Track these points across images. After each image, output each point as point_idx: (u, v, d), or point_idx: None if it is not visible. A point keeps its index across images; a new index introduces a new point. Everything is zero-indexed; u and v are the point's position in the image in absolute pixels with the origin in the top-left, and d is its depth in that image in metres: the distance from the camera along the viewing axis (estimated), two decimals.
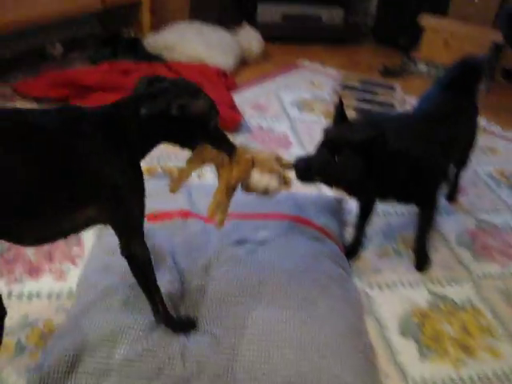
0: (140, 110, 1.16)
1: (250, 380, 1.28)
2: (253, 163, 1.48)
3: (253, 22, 3.65)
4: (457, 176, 2.19)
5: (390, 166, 1.58)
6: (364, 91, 3.06)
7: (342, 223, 1.96)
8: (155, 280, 1.30)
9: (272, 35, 3.68)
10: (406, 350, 1.52)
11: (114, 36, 3.30)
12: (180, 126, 1.25)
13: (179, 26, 3.33)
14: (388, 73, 3.46)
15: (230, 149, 1.39)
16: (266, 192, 1.51)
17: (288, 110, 2.86)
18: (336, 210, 1.98)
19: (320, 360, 1.32)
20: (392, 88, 3.11)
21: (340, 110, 1.61)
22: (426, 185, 1.76)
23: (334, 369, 1.31)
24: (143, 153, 1.26)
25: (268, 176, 1.49)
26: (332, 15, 3.89)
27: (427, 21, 3.49)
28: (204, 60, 3.12)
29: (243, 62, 3.39)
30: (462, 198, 2.25)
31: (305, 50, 3.75)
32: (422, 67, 3.49)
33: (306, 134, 2.61)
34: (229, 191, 1.46)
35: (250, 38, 3.41)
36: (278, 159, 1.57)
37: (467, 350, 1.54)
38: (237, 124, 2.57)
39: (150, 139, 1.26)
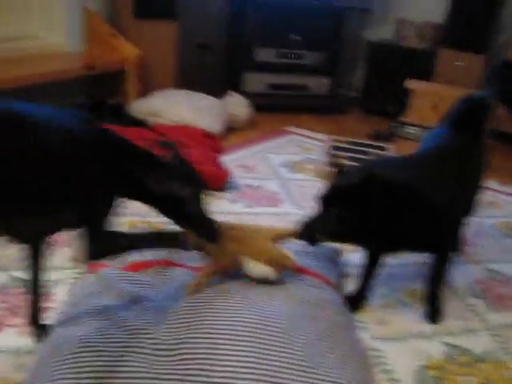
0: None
1: None
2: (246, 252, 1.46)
3: (239, 91, 3.62)
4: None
5: (390, 204, 1.45)
6: (355, 151, 2.98)
7: (340, 274, 1.79)
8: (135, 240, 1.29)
9: (258, 104, 3.64)
10: None
11: (100, 103, 3.25)
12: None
13: (165, 93, 3.28)
14: (378, 137, 3.40)
15: (210, 236, 1.32)
16: (264, 280, 1.49)
17: (277, 170, 2.75)
18: (334, 260, 1.81)
19: None
20: (382, 148, 3.03)
21: (340, 169, 1.52)
22: (437, 226, 1.59)
23: None
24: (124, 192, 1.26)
25: (263, 266, 1.47)
26: (319, 85, 3.90)
27: (414, 85, 3.48)
28: (190, 124, 3.04)
29: (230, 129, 3.31)
30: (469, 249, 2.10)
31: (292, 118, 3.71)
32: (411, 130, 3.43)
33: (296, 192, 2.48)
34: (213, 276, 1.47)
35: (237, 105, 3.36)
36: (277, 236, 1.54)
37: None
38: (223, 181, 2.45)
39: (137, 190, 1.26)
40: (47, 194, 1.09)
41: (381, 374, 1.40)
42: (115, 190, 1.24)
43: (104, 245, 1.24)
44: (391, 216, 1.46)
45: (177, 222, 1.30)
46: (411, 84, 3.50)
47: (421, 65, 3.76)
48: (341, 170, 1.53)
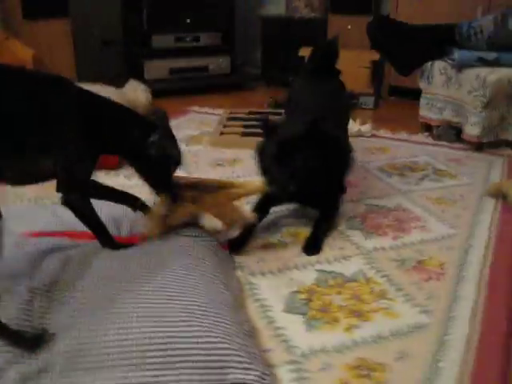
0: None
1: None
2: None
3: (142, 80, 3.61)
4: None
5: (327, 149, 1.66)
6: (251, 120, 3.03)
7: None
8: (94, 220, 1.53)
9: (162, 90, 3.66)
10: (292, 324, 1.36)
11: None
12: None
13: None
14: (277, 105, 3.46)
15: (173, 198, 1.57)
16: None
17: None
18: None
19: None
20: (279, 114, 3.09)
21: (266, 124, 1.73)
22: (338, 184, 1.89)
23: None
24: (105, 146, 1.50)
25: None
26: (218, 64, 3.95)
27: (307, 51, 3.56)
28: None
29: None
30: (352, 190, 2.18)
31: (196, 100, 3.73)
32: None
33: (192, 162, 2.51)
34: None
35: (135, 90, 3.36)
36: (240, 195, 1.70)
37: (360, 314, 1.40)
38: (117, 160, 2.45)
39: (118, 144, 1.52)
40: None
41: (253, 303, 1.45)
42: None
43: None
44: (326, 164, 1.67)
45: (146, 179, 1.60)
46: (304, 52, 3.58)
47: (314, 33, 3.86)
48: (268, 128, 1.71)
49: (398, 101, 3.70)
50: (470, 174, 2.39)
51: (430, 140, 2.88)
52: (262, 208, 1.85)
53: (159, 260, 1.42)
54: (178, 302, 1.24)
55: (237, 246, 1.72)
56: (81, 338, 1.15)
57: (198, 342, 1.12)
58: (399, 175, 2.36)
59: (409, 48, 2.87)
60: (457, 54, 2.65)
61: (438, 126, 2.87)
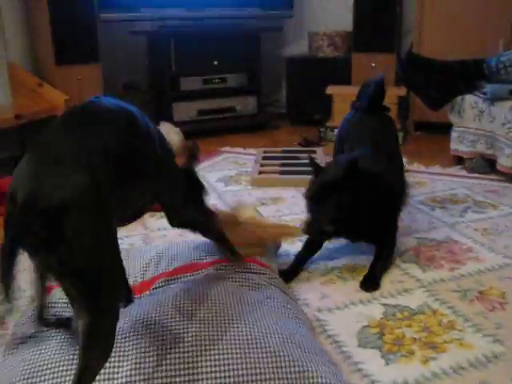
0: None
1: None
2: None
3: (170, 121, 3.70)
4: None
5: (370, 190, 1.71)
6: (286, 158, 3.10)
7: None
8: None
9: (190, 131, 3.73)
10: (370, 359, 1.38)
11: None
12: None
13: None
14: (307, 143, 3.53)
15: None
16: None
17: (214, 185, 2.83)
18: (272, 248, 1.88)
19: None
20: (312, 152, 3.16)
21: (313, 163, 1.77)
22: (393, 220, 1.90)
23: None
24: None
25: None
26: (245, 104, 4.04)
27: (333, 90, 3.66)
28: None
29: None
30: (399, 224, 2.21)
31: (225, 140, 3.81)
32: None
33: (233, 201, 2.56)
34: None
35: (168, 132, 3.43)
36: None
37: (434, 346, 1.42)
38: None
39: None
40: None
41: (326, 339, 1.47)
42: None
43: None
44: (370, 203, 1.72)
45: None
46: (331, 90, 3.68)
47: (338, 72, 3.95)
48: (317, 169, 1.77)
49: (424, 135, 3.76)
50: (510, 205, 2.43)
51: (464, 173, 2.92)
52: (311, 245, 1.90)
53: (230, 296, 1.45)
54: (259, 336, 1.26)
55: (288, 275, 1.80)
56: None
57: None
58: (441, 208, 2.40)
59: (439, 83, 2.94)
60: (489, 88, 2.72)
61: (471, 159, 2.92)
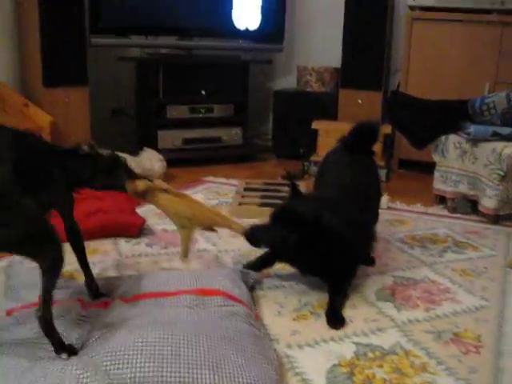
0: None
1: None
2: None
3: (155, 149, 3.67)
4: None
5: (325, 245, 1.74)
6: (267, 190, 3.07)
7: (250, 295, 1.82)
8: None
9: (174, 159, 3.71)
10: None
11: None
12: None
13: None
14: (290, 177, 3.51)
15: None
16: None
17: None
18: (243, 281, 1.83)
19: None
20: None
21: (293, 186, 1.84)
22: (350, 262, 1.88)
23: None
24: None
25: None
26: (231, 135, 4.03)
27: (319, 125, 3.66)
28: None
29: None
30: (377, 261, 2.18)
31: (208, 170, 3.78)
32: None
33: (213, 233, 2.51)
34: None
35: (151, 159, 3.41)
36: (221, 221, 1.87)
37: None
38: (139, 228, 2.46)
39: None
40: None
41: (293, 376, 1.42)
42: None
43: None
44: (318, 251, 1.76)
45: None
46: (317, 125, 3.68)
47: (325, 107, 3.96)
48: (294, 192, 1.84)
49: (408, 173, 3.76)
50: (490, 246, 2.40)
51: (445, 212, 2.91)
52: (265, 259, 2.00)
53: (196, 332, 1.39)
54: (225, 378, 1.21)
55: (255, 265, 1.97)
56: None
57: None
58: (421, 247, 2.37)
59: (423, 122, 2.94)
60: (472, 129, 2.72)
61: (453, 199, 2.91)
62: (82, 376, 1.16)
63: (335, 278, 1.86)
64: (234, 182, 3.42)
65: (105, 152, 1.65)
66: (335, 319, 1.71)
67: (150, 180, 1.70)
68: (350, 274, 1.91)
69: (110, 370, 1.18)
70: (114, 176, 1.64)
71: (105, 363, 1.19)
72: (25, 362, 1.26)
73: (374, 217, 2.13)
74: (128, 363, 1.19)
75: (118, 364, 1.19)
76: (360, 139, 2.15)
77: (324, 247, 1.74)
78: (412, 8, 3.67)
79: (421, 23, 3.61)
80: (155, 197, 1.70)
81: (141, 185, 1.65)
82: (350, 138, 2.16)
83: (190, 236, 1.80)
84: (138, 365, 1.19)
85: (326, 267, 1.83)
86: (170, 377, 1.17)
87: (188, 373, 1.19)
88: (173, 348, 1.25)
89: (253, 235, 1.79)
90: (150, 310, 1.45)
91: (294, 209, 1.77)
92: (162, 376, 1.17)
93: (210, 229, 1.84)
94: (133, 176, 1.66)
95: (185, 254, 1.83)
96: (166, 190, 1.72)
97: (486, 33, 3.47)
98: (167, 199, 1.72)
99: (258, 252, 2.04)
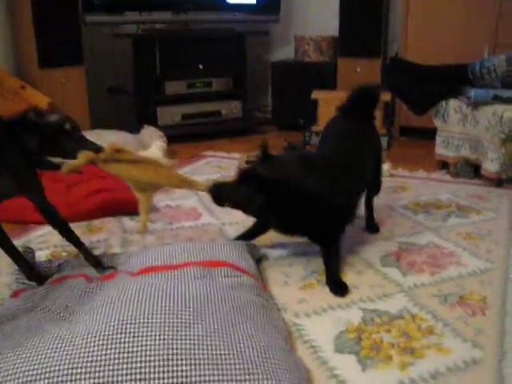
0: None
1: None
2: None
3: (154, 125, 3.66)
4: (370, 204, 2.16)
5: (293, 204, 1.71)
6: None
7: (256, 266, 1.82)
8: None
9: (174, 135, 3.70)
10: (346, 364, 1.35)
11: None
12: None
13: None
14: (291, 148, 3.50)
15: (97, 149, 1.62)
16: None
17: None
18: (249, 253, 1.84)
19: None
20: None
21: (263, 146, 1.75)
22: (330, 224, 1.83)
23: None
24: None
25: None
26: (230, 109, 4.01)
27: (319, 94, 3.64)
28: None
29: None
30: (380, 228, 2.19)
31: (209, 144, 3.78)
32: None
33: (214, 205, 2.52)
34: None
35: (151, 136, 3.40)
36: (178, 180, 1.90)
37: (412, 351, 1.39)
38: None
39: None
40: None
41: (302, 344, 1.43)
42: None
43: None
44: (287, 210, 1.74)
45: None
46: (317, 95, 3.66)
47: (323, 76, 3.94)
48: (264, 153, 1.75)
49: (409, 140, 3.75)
50: (493, 210, 2.41)
51: (448, 177, 2.91)
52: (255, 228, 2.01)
53: (205, 303, 1.40)
54: (234, 348, 1.22)
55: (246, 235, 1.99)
56: None
57: None
58: (425, 213, 2.38)
59: (423, 88, 2.92)
60: (472, 93, 2.70)
61: (456, 164, 2.91)
62: (90, 340, 1.18)
63: (320, 239, 1.85)
64: (234, 155, 3.42)
65: (53, 117, 1.57)
66: (337, 286, 1.72)
67: (97, 148, 1.63)
68: (335, 234, 1.86)
69: (119, 339, 1.19)
70: (60, 147, 1.58)
71: (114, 334, 1.20)
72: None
73: (373, 182, 2.12)
74: (137, 335, 1.21)
75: (128, 334, 1.20)
76: (359, 104, 2.10)
77: (292, 206, 1.72)
78: None
79: None
80: (106, 166, 1.68)
81: (80, 159, 1.58)
82: (348, 104, 2.10)
83: (149, 200, 1.84)
84: (149, 337, 1.20)
85: (303, 227, 1.81)
86: (181, 348, 1.18)
87: (199, 344, 1.19)
88: (183, 320, 1.26)
89: (218, 192, 1.76)
90: (157, 282, 1.46)
91: (260, 169, 1.73)
92: (172, 348, 1.18)
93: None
94: (83, 143, 1.61)
95: (144, 224, 1.89)
96: (119, 151, 1.70)
97: None
98: (119, 167, 1.71)
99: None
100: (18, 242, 1.93)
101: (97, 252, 1.94)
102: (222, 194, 1.75)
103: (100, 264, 1.72)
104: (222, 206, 1.79)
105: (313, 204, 1.72)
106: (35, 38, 3.39)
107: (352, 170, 1.89)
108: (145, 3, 3.81)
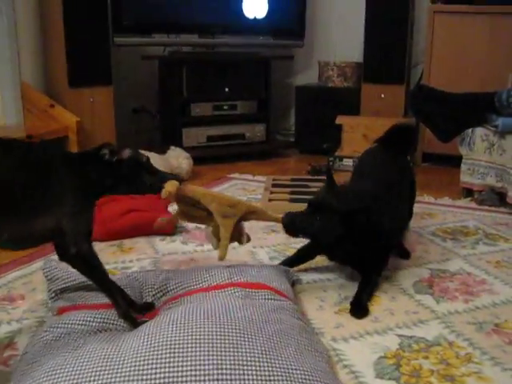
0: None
1: None
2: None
3: (180, 146, 3.71)
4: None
5: (364, 237, 1.77)
6: (295, 186, 3.10)
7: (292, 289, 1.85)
8: (106, 274, 1.51)
9: (199, 157, 3.74)
10: None
11: None
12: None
13: None
14: (315, 172, 3.54)
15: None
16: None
17: None
18: (286, 277, 1.87)
19: None
20: (321, 181, 3.16)
21: (329, 176, 1.82)
22: (382, 256, 1.92)
23: None
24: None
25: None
26: (254, 132, 4.06)
27: (343, 120, 3.69)
28: None
29: None
30: (411, 255, 2.21)
31: (233, 166, 3.82)
32: (346, 162, 3.60)
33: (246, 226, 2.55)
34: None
35: (178, 157, 3.45)
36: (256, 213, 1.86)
37: (452, 379, 1.41)
38: (173, 226, 2.50)
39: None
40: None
41: (342, 369, 1.45)
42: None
43: None
44: (356, 242, 1.79)
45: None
46: (341, 120, 3.70)
47: (347, 102, 3.99)
48: (330, 181, 1.83)
49: (431, 167, 3.78)
50: None
51: (473, 205, 2.93)
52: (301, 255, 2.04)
53: (249, 324, 1.42)
54: (281, 370, 1.24)
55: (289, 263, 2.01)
56: None
57: None
58: (453, 240, 2.40)
59: (449, 115, 2.96)
60: (500, 121, 2.74)
61: (481, 191, 2.93)
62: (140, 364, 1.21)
63: (368, 269, 1.89)
64: (259, 178, 3.45)
65: (125, 153, 1.56)
66: (358, 308, 1.75)
67: (178, 178, 1.68)
68: (383, 266, 1.95)
69: (169, 360, 1.21)
70: (138, 182, 1.58)
71: (164, 355, 1.23)
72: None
73: (408, 213, 2.18)
74: (187, 356, 1.23)
75: (178, 355, 1.23)
76: (397, 140, 2.20)
77: (365, 238, 1.77)
78: (433, 1, 3.68)
79: (443, 16, 3.62)
80: (188, 191, 1.70)
81: (171, 188, 1.62)
82: (387, 138, 2.21)
83: (232, 227, 1.77)
84: (198, 358, 1.22)
85: (361, 258, 1.87)
86: (230, 369, 1.20)
87: (247, 365, 1.22)
88: (230, 340, 1.28)
89: (293, 223, 1.75)
90: (200, 304, 1.49)
91: (334, 200, 1.77)
92: (222, 369, 1.20)
93: (249, 218, 1.85)
94: (156, 175, 1.62)
95: (224, 252, 1.80)
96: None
97: (508, 23, 3.48)
98: (203, 190, 1.76)
99: (293, 248, 2.08)
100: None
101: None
102: (296, 224, 1.75)
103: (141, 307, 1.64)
104: (297, 236, 1.80)
105: (379, 237, 1.79)
106: (66, 58, 3.48)
107: (398, 202, 1.98)
108: (173, 25, 3.89)
